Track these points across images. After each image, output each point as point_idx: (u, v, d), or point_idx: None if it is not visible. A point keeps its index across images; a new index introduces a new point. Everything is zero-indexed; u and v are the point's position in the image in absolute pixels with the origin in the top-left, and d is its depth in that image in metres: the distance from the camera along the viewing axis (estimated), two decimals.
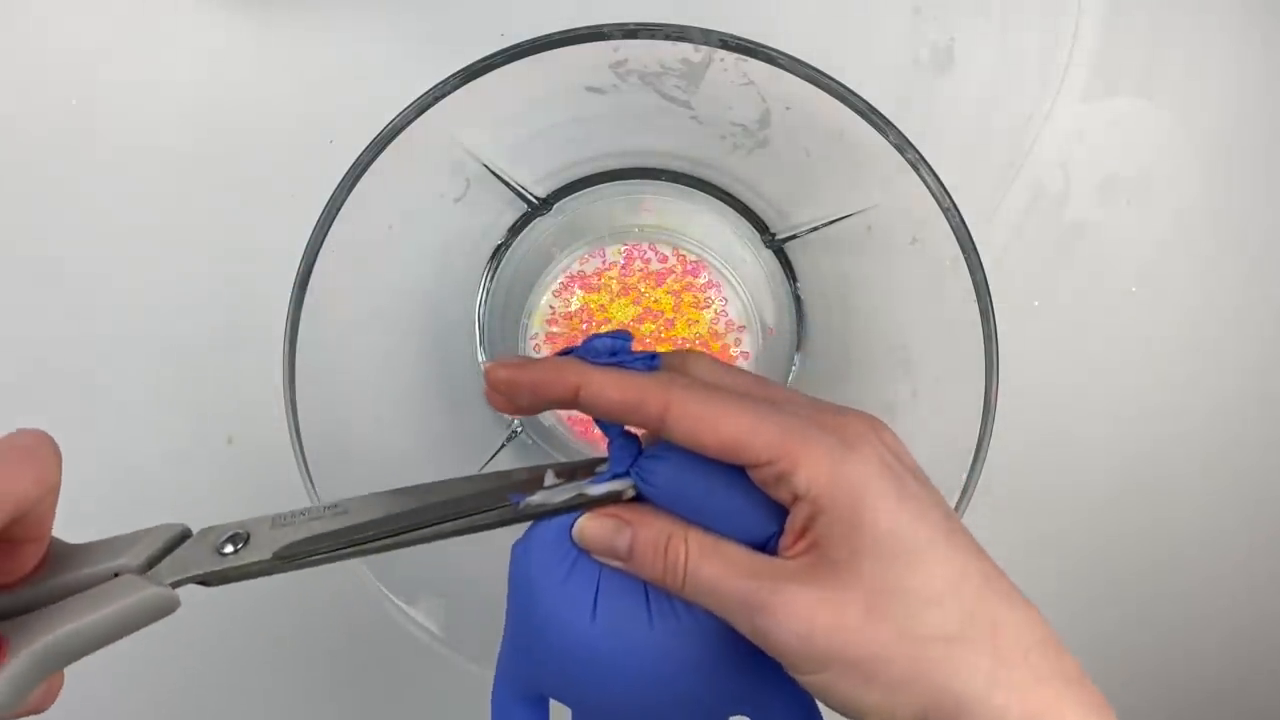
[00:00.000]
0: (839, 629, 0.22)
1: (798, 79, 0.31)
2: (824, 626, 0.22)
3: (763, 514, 0.25)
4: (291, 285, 0.33)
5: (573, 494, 0.26)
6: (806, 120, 0.33)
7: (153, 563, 0.24)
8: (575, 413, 0.45)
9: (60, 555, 0.24)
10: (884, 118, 0.31)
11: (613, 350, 0.26)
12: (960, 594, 0.22)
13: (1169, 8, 0.44)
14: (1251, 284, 0.46)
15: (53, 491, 0.22)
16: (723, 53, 0.31)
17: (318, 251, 0.33)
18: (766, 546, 0.25)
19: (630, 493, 0.26)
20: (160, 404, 0.45)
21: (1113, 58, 0.44)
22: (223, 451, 0.45)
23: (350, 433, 0.36)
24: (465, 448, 0.42)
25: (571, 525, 0.26)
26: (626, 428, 0.27)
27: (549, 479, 0.26)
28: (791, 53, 0.31)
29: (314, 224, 0.33)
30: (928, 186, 0.32)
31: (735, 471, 0.25)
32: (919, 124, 0.33)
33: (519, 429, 0.44)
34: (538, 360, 0.26)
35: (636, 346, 0.27)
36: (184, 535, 0.25)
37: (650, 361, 0.26)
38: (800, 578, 0.23)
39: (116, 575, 0.23)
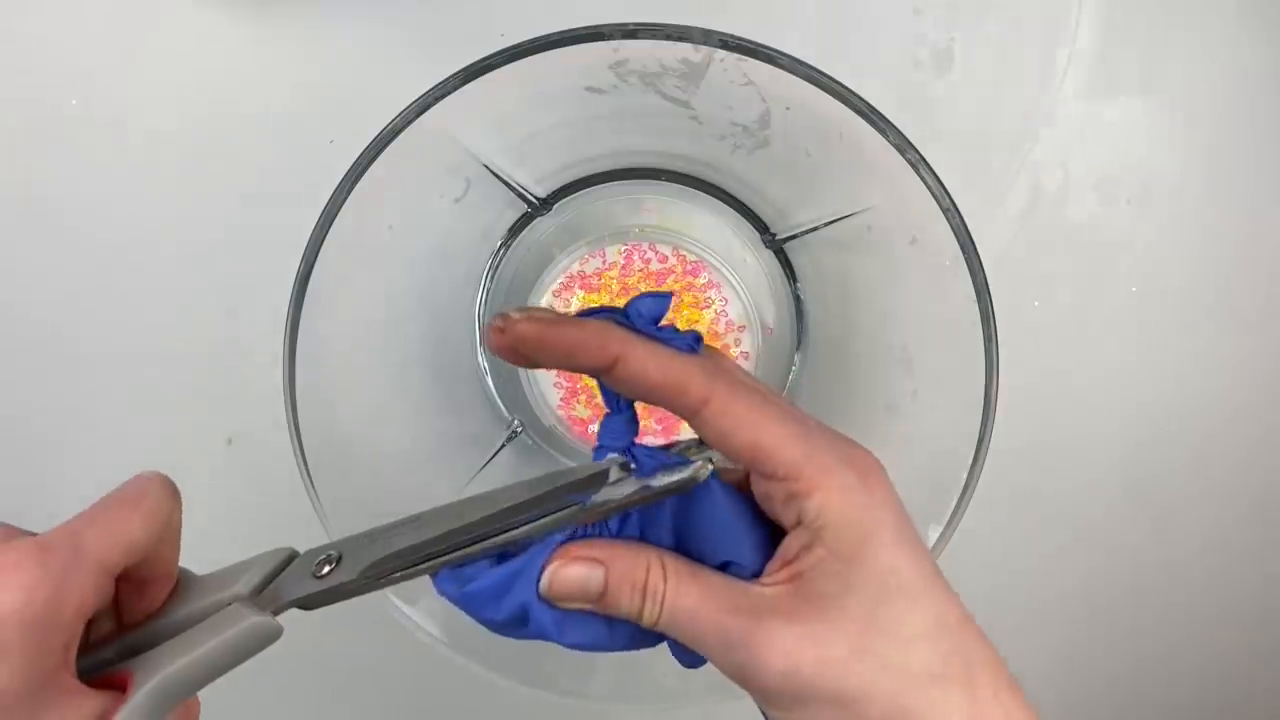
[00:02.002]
0: (824, 665, 0.22)
1: (798, 79, 0.31)
2: (809, 663, 0.22)
3: (750, 545, 0.24)
4: (291, 285, 0.33)
5: (638, 487, 0.25)
6: (806, 120, 0.33)
7: (261, 589, 0.24)
8: (576, 412, 0.45)
9: (185, 586, 0.24)
10: (884, 118, 0.31)
11: (656, 318, 0.25)
12: (943, 634, 0.22)
13: (1169, 8, 0.44)
14: (1251, 284, 0.46)
15: (171, 531, 0.23)
16: (723, 53, 0.31)
17: (318, 251, 0.33)
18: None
19: (704, 474, 0.24)
20: (160, 404, 0.45)
21: (1113, 58, 0.44)
22: (223, 451, 0.45)
23: (350, 433, 0.36)
24: (465, 448, 0.42)
25: (502, 575, 0.25)
26: (635, 405, 0.26)
27: (613, 473, 0.25)
28: (791, 53, 0.31)
29: (314, 224, 0.33)
30: (928, 186, 0.32)
31: (731, 498, 0.25)
32: (919, 124, 0.33)
33: (519, 429, 0.44)
34: (575, 320, 0.24)
35: None
36: (290, 558, 0.25)
37: (694, 344, 0.25)
38: (783, 612, 0.22)
39: (230, 604, 0.24)
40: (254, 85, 0.44)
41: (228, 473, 0.45)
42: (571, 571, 0.24)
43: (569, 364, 0.24)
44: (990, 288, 0.32)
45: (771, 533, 0.25)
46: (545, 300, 0.45)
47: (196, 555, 0.46)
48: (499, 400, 0.44)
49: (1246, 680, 0.48)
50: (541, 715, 0.42)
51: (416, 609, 0.34)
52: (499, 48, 0.31)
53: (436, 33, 0.43)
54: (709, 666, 0.25)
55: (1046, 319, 0.46)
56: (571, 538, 0.25)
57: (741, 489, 0.26)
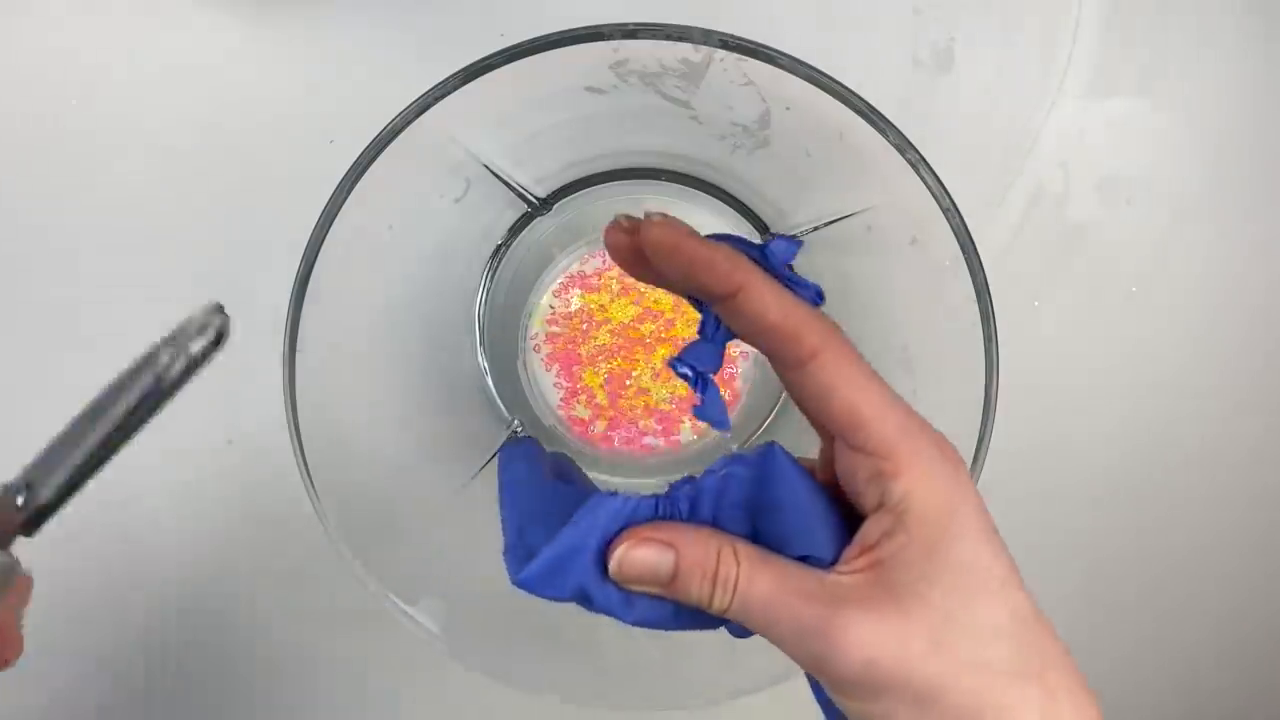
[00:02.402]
0: (904, 658, 0.21)
1: (798, 79, 0.31)
2: (889, 656, 0.21)
3: (826, 535, 0.24)
4: (291, 285, 0.33)
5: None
6: (806, 120, 0.33)
7: None
8: (576, 412, 0.45)
9: None
10: (884, 118, 0.31)
11: (789, 261, 0.25)
12: (1022, 631, 0.22)
13: (1169, 8, 0.44)
14: (1252, 284, 0.46)
15: None
16: (723, 53, 0.31)
17: (318, 251, 0.33)
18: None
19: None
20: None
21: (1113, 58, 0.44)
22: (223, 451, 0.45)
23: (350, 433, 0.36)
24: (465, 448, 0.42)
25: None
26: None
27: None
28: (791, 53, 0.31)
29: (314, 224, 0.33)
30: (928, 186, 0.32)
31: (806, 481, 0.24)
32: (919, 124, 0.33)
33: (519, 429, 0.44)
34: (708, 240, 0.24)
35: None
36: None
37: (816, 296, 0.25)
38: (861, 601, 0.22)
39: None
40: (254, 85, 0.44)
41: (228, 473, 0.45)
42: (641, 554, 0.23)
43: (689, 282, 0.23)
44: (990, 288, 0.32)
45: (846, 521, 0.24)
46: (545, 300, 0.45)
47: (196, 554, 0.46)
48: (499, 400, 0.44)
49: (1248, 681, 0.48)
50: (541, 715, 0.42)
51: (417, 609, 0.34)
52: (499, 48, 0.31)
53: (436, 33, 0.43)
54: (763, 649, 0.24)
55: (1046, 319, 0.46)
56: (634, 512, 0.24)
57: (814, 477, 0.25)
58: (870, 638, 0.21)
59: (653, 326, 0.44)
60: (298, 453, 0.33)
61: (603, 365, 0.44)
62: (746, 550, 0.23)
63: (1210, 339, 0.46)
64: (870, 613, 0.22)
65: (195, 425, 0.45)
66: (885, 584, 0.22)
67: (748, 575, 0.23)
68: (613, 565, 0.23)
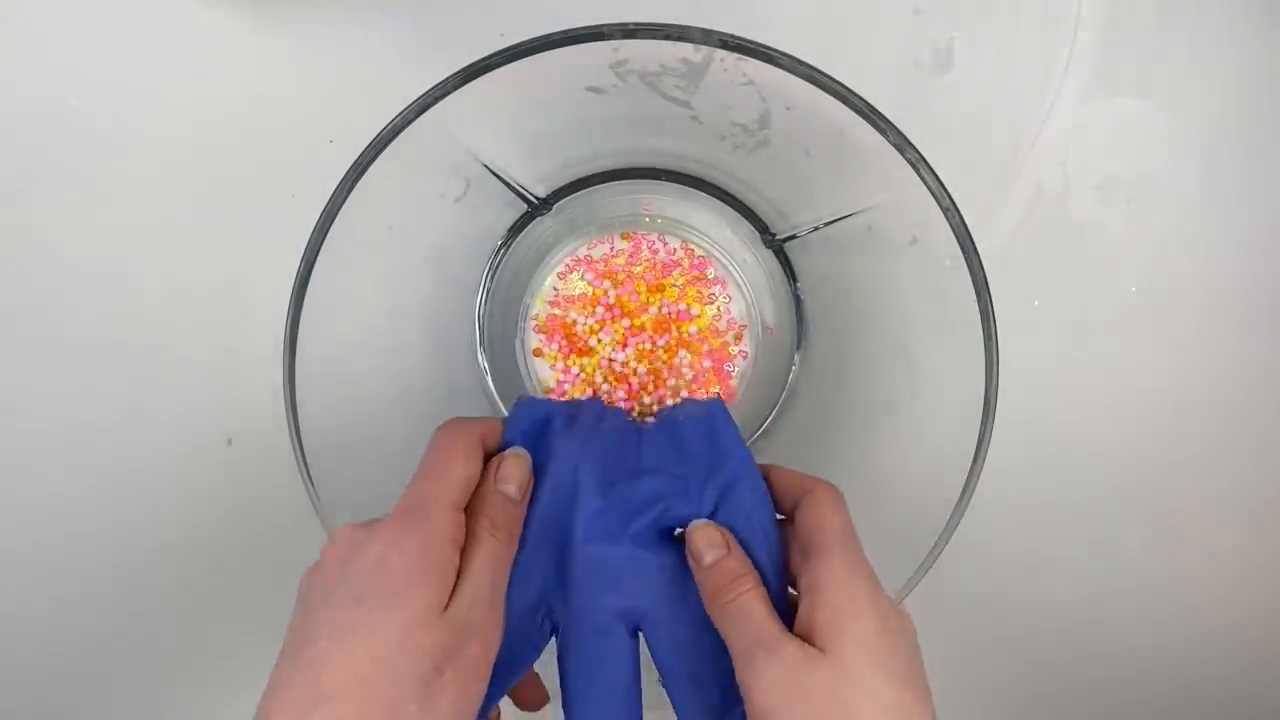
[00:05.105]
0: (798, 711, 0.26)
1: (798, 79, 0.31)
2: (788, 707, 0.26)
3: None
4: (291, 285, 0.33)
5: None
6: (806, 120, 0.33)
7: None
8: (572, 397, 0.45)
9: None
10: (884, 118, 0.31)
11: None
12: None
13: (1169, 8, 0.44)
14: (1251, 283, 0.46)
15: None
16: (723, 53, 0.31)
17: (318, 251, 0.33)
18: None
19: None
20: (160, 404, 0.45)
21: (1113, 58, 0.44)
22: (223, 451, 0.45)
23: (350, 433, 0.36)
24: None
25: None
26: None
27: None
28: (791, 53, 0.31)
29: (314, 224, 0.33)
30: (928, 186, 0.32)
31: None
32: (919, 124, 0.33)
33: None
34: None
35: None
36: None
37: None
38: (790, 659, 0.27)
39: None
40: (254, 85, 0.44)
41: (228, 473, 0.45)
42: (711, 534, 0.30)
43: None
44: (990, 287, 0.32)
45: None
46: (549, 281, 0.45)
47: (197, 554, 0.46)
48: (499, 400, 0.44)
49: (1247, 682, 0.48)
50: (539, 715, 0.42)
51: None
52: (499, 48, 0.31)
53: (436, 33, 0.43)
54: None
55: (1046, 319, 0.46)
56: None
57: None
58: (782, 686, 0.27)
59: (654, 315, 0.44)
60: (298, 453, 0.33)
61: (602, 351, 0.44)
62: (758, 589, 0.29)
63: (1209, 338, 0.46)
64: (791, 668, 0.27)
65: (195, 425, 0.45)
66: (812, 651, 0.27)
67: (744, 603, 0.29)
68: (690, 528, 0.31)
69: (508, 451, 0.31)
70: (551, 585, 0.31)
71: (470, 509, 0.30)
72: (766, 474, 0.32)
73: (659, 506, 0.31)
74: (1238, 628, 0.48)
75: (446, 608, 0.27)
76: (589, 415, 0.34)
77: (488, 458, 0.31)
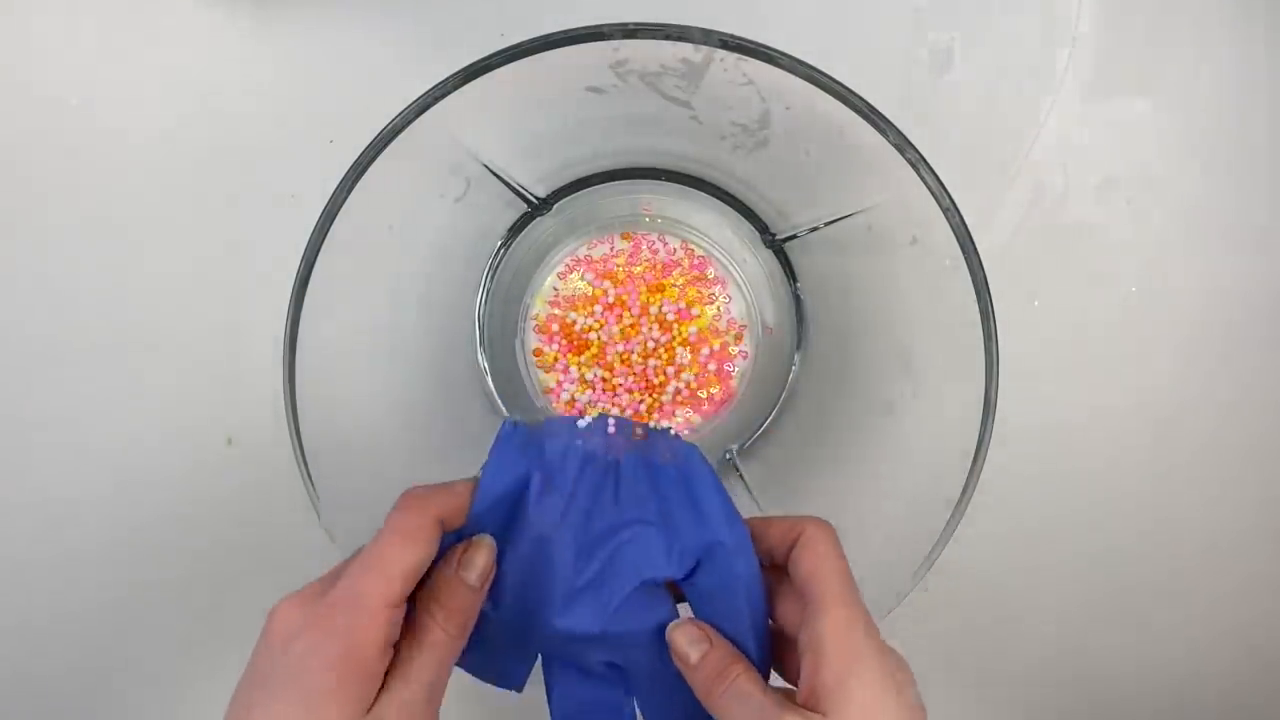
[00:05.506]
0: None
1: (798, 79, 0.31)
2: None
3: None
4: (291, 285, 0.33)
5: None
6: (806, 120, 0.33)
7: None
8: (574, 395, 0.45)
9: None
10: (884, 118, 0.31)
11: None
12: None
13: (1169, 8, 0.44)
14: (1252, 283, 0.46)
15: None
16: (723, 53, 0.31)
17: (318, 251, 0.33)
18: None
19: None
20: (160, 404, 0.45)
21: (1113, 58, 0.44)
22: (223, 451, 0.45)
23: (350, 433, 0.36)
24: (465, 448, 0.42)
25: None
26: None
27: None
28: (791, 53, 0.31)
29: (314, 224, 0.33)
30: (928, 186, 0.32)
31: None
32: (919, 124, 0.33)
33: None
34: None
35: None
36: None
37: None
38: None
39: None
40: (254, 85, 0.44)
41: (228, 473, 0.45)
42: (691, 633, 0.29)
43: None
44: (990, 287, 0.32)
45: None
46: (549, 281, 0.45)
47: (197, 554, 0.46)
48: (499, 399, 0.44)
49: (1246, 678, 0.48)
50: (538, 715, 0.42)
51: None
52: (499, 48, 0.31)
53: (436, 33, 0.44)
54: None
55: (1046, 319, 0.46)
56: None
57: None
58: None
59: (654, 315, 0.44)
60: (298, 453, 0.33)
61: (602, 351, 0.44)
62: (747, 675, 0.28)
63: (1209, 338, 0.46)
64: None
65: (195, 425, 0.45)
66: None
67: (738, 692, 0.28)
68: (668, 632, 0.30)
69: (475, 540, 0.29)
70: (527, 635, 0.31)
71: (423, 594, 0.28)
72: (752, 529, 0.31)
73: (638, 577, 0.30)
74: (1238, 628, 0.48)
75: (371, 709, 0.25)
76: (568, 473, 0.31)
77: (454, 532, 0.29)
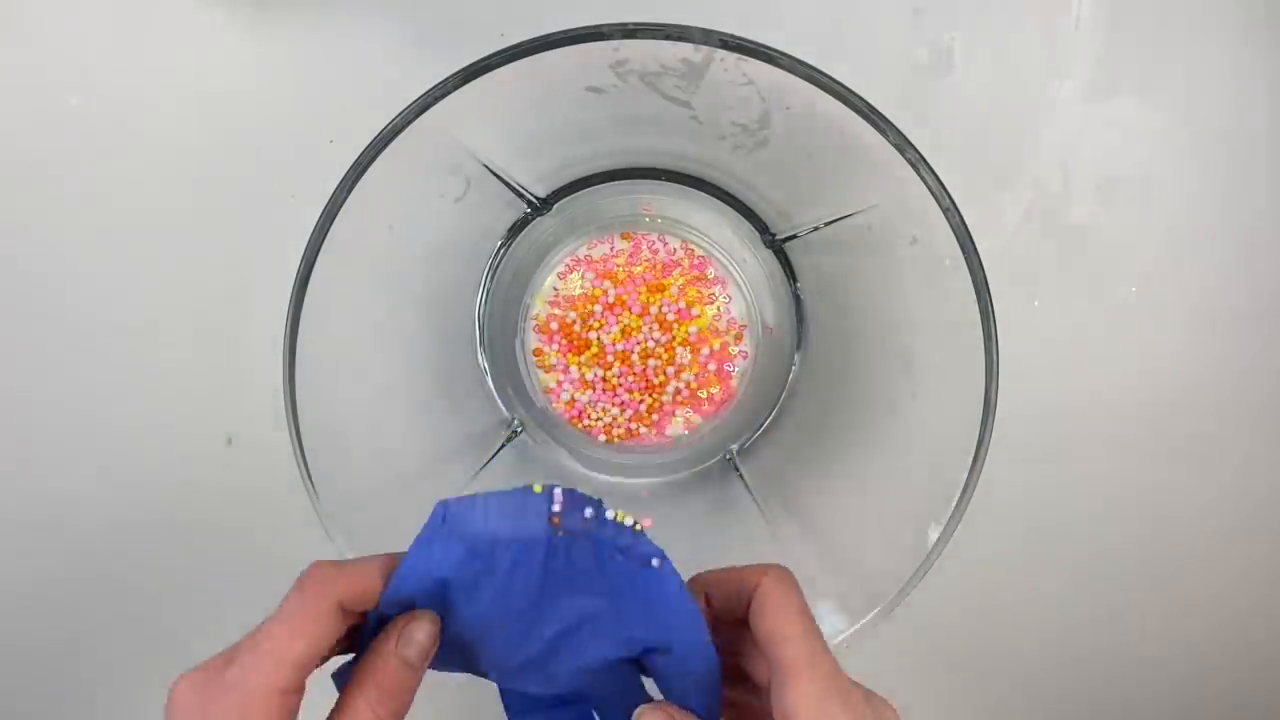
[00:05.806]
0: None
1: (798, 79, 0.31)
2: None
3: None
4: (291, 285, 0.33)
5: None
6: (806, 120, 0.33)
7: None
8: (574, 396, 0.45)
9: None
10: (884, 118, 0.31)
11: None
12: None
13: (1169, 8, 0.44)
14: (1252, 283, 0.46)
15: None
16: (723, 53, 0.31)
17: (318, 251, 0.33)
18: None
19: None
20: (160, 404, 0.45)
21: (1113, 58, 0.44)
22: (223, 451, 0.45)
23: (350, 433, 0.36)
24: (465, 448, 0.42)
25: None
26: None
27: None
28: (791, 53, 0.31)
29: (314, 224, 0.33)
30: (928, 186, 0.32)
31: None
32: (919, 124, 0.33)
33: (519, 429, 0.44)
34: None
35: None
36: None
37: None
38: None
39: None
40: (253, 84, 0.44)
41: (228, 473, 0.45)
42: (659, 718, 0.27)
43: None
44: (990, 287, 0.32)
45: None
46: (549, 281, 0.45)
47: (196, 554, 0.46)
48: (499, 400, 0.44)
49: (1245, 679, 0.48)
50: None
51: None
52: (499, 48, 0.31)
53: (436, 33, 0.44)
54: None
55: (1046, 319, 0.46)
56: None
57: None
58: None
59: (654, 315, 0.44)
60: (298, 453, 0.33)
61: (602, 351, 0.44)
62: None
63: (1209, 338, 0.46)
64: None
65: (195, 425, 0.45)
66: None
67: None
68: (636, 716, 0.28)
69: (416, 613, 0.26)
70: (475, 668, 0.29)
71: (358, 670, 0.26)
72: (706, 584, 0.28)
73: (584, 659, 0.28)
74: (1238, 627, 0.48)
75: None
76: (501, 557, 0.27)
77: (360, 614, 0.26)
